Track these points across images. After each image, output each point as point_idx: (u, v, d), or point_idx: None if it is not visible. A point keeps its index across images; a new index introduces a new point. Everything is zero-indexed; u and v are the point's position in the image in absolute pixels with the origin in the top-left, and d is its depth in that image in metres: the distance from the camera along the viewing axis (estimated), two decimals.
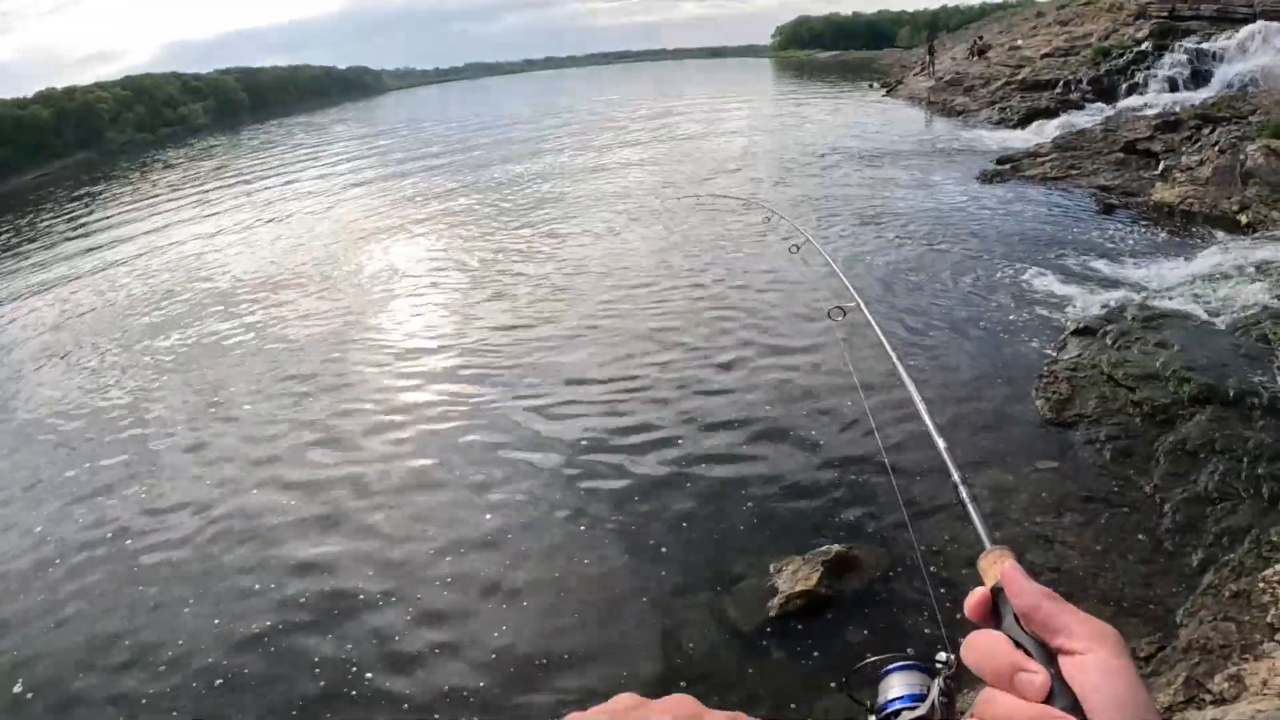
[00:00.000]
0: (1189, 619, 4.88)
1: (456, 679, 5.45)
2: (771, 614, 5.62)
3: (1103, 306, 9.72)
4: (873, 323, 2.90)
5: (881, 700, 1.11)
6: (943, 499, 6.55)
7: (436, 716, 5.17)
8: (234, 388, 10.97)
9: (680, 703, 0.94)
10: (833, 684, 4.92)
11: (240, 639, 6.11)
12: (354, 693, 5.52)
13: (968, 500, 1.30)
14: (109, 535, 7.84)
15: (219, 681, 5.77)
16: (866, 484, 7.07)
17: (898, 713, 1.09)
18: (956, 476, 1.42)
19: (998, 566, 0.99)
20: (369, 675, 5.62)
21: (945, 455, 1.59)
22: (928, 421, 1.76)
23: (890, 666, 1.14)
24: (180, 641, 6.17)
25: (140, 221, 27.44)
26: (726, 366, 9.64)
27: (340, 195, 26.98)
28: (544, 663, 5.52)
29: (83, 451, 9.70)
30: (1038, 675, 0.81)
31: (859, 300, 3.58)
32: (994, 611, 0.97)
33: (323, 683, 5.62)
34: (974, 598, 0.98)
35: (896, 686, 1.12)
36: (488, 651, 5.64)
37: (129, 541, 7.68)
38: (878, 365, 8.26)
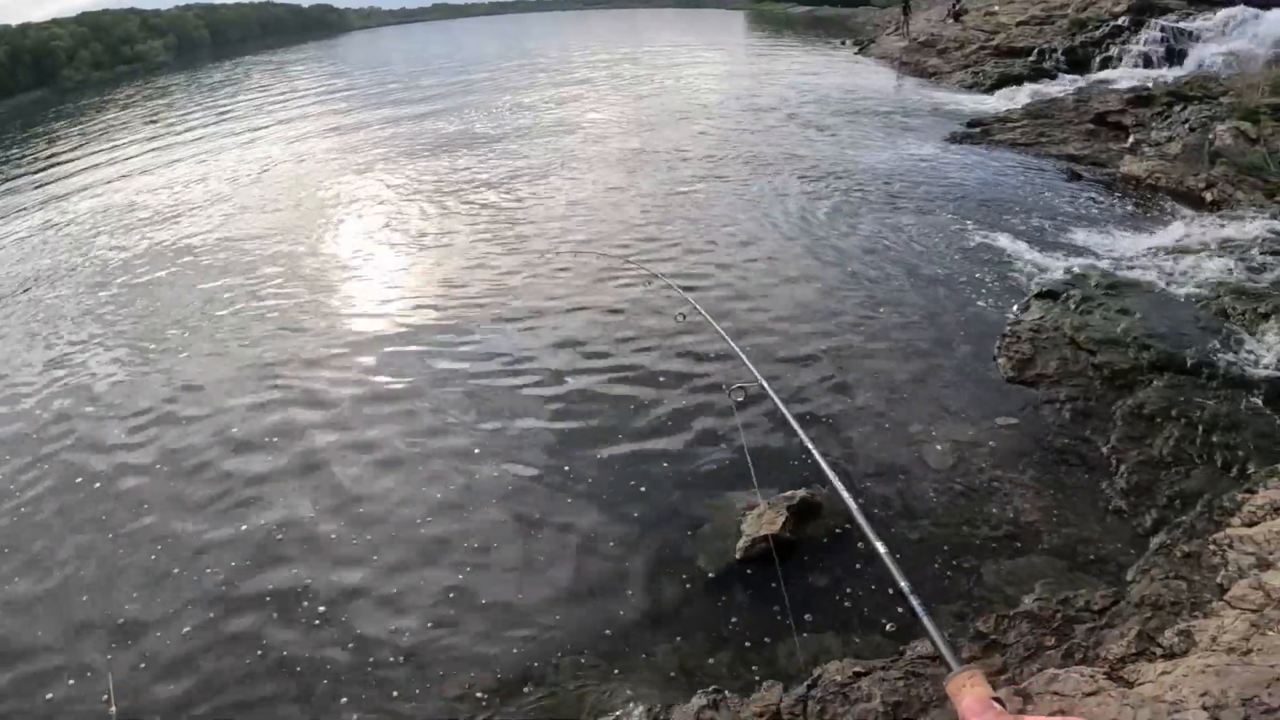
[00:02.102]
0: (1141, 576, 4.95)
1: (421, 630, 5.43)
2: (736, 557, 5.65)
3: (1067, 272, 9.78)
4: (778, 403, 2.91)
5: None
6: (900, 451, 6.64)
7: (402, 666, 5.16)
8: (184, 332, 10.86)
9: None
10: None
11: (193, 590, 6.09)
12: (313, 645, 5.48)
13: (926, 622, 1.38)
14: (49, 491, 7.65)
15: (170, 638, 5.75)
16: (830, 434, 7.12)
17: None
18: (910, 594, 1.50)
19: (962, 696, 1.11)
20: (329, 628, 5.59)
21: (892, 567, 1.70)
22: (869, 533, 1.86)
23: None
24: (126, 604, 6.09)
25: (93, 161, 26.88)
26: (690, 325, 9.67)
27: (294, 137, 26.49)
28: (509, 611, 5.52)
29: (25, 400, 9.54)
30: None
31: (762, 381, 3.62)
32: None
33: (280, 637, 5.59)
34: None
35: None
36: (452, 602, 5.63)
37: (69, 496, 7.52)
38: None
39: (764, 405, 7.44)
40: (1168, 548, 5.17)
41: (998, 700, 1.11)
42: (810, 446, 3.65)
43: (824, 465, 2.79)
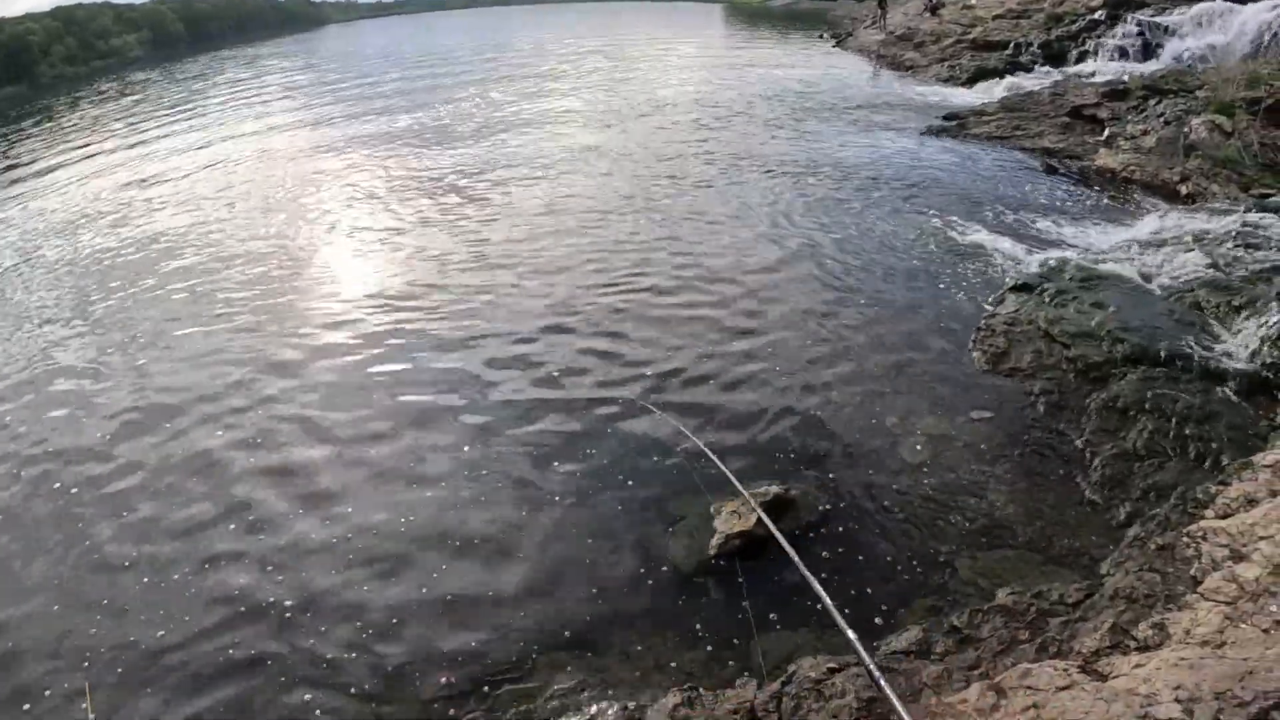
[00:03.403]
0: (1115, 569, 4.96)
1: (394, 627, 5.39)
2: (710, 554, 5.63)
3: (1041, 265, 9.79)
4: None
5: None
6: (875, 444, 6.64)
7: (375, 665, 5.12)
8: (162, 325, 10.75)
9: None
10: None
11: (167, 595, 6.01)
12: (290, 633, 5.46)
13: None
14: (23, 495, 7.55)
15: (146, 644, 5.69)
16: (806, 429, 7.10)
17: None
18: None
19: None
20: (306, 617, 5.56)
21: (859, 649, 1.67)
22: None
23: None
24: (104, 611, 6.03)
25: (65, 156, 26.58)
26: (663, 321, 9.64)
27: (266, 131, 26.20)
28: (482, 608, 5.48)
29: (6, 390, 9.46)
30: None
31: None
32: None
33: (257, 625, 5.56)
34: None
35: None
36: (423, 600, 5.59)
37: (56, 486, 7.48)
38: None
39: (739, 407, 7.45)
40: (1142, 540, 5.19)
41: None
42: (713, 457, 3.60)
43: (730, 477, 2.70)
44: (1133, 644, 4.01)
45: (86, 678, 5.25)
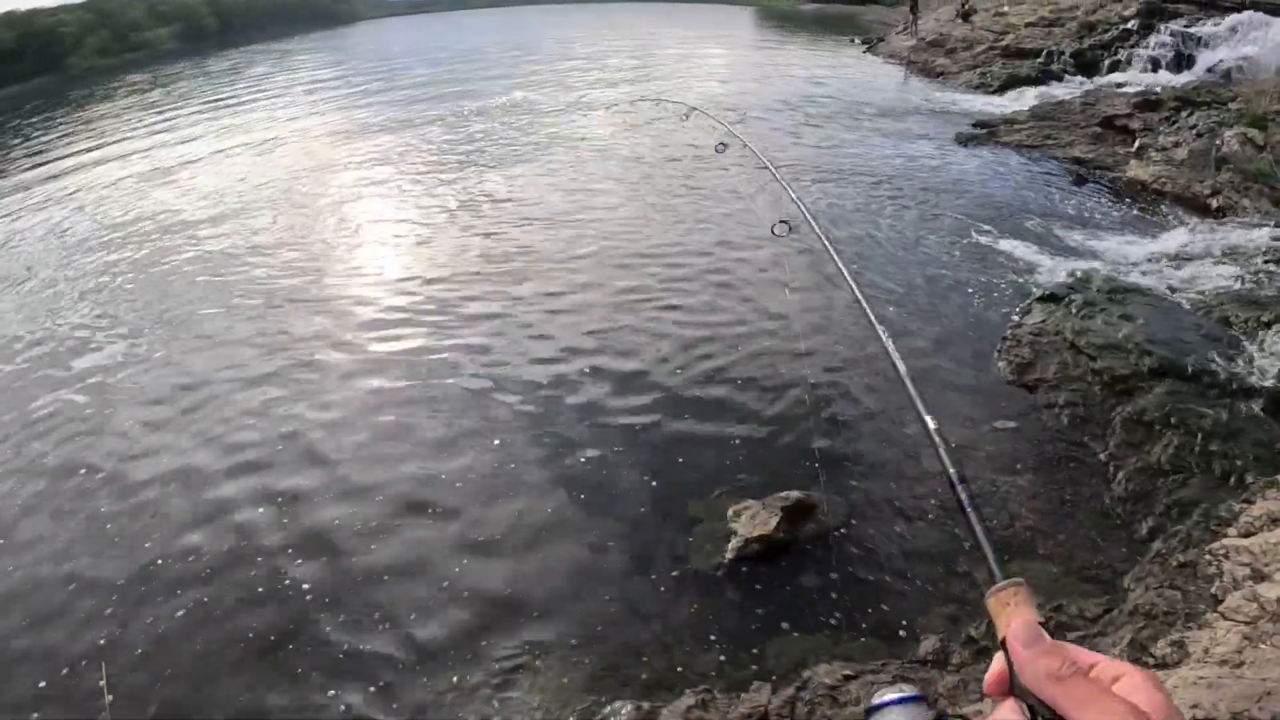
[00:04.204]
0: (1136, 584, 4.94)
1: (410, 621, 5.42)
2: (729, 557, 5.63)
3: (1069, 275, 9.75)
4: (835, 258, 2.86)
5: None
6: (896, 452, 6.62)
7: (392, 658, 5.16)
8: (193, 317, 10.83)
9: None
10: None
11: (186, 578, 6.07)
12: (307, 621, 5.51)
13: (974, 518, 1.26)
14: (65, 460, 7.75)
15: (173, 612, 5.75)
16: (830, 434, 7.09)
17: None
18: (958, 483, 1.38)
19: (1006, 617, 0.99)
20: (323, 605, 5.62)
21: (944, 457, 1.51)
22: (924, 414, 1.73)
23: (889, 699, 1.10)
24: (133, 571, 6.13)
25: (95, 147, 26.74)
26: (688, 320, 9.64)
27: (299, 128, 26.15)
28: (497, 605, 5.51)
29: (35, 379, 9.53)
30: None
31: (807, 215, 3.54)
32: (1010, 668, 0.97)
33: (274, 615, 5.61)
34: (992, 674, 0.98)
35: None
36: (440, 595, 5.62)
37: (82, 469, 7.57)
38: (850, 325, 8.30)
39: (765, 402, 7.45)
40: (1163, 557, 5.16)
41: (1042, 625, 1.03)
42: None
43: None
44: (1151, 661, 3.99)
45: (103, 655, 5.33)
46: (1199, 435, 6.51)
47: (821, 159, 16.82)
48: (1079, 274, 9.75)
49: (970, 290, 9.71)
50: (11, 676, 5.29)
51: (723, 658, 4.91)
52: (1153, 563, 5.17)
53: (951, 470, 1.31)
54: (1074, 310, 8.72)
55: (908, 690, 1.08)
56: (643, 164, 17.01)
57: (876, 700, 1.09)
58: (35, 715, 4.98)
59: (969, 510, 1.22)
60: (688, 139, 17.57)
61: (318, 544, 6.19)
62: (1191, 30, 23.48)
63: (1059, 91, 22.68)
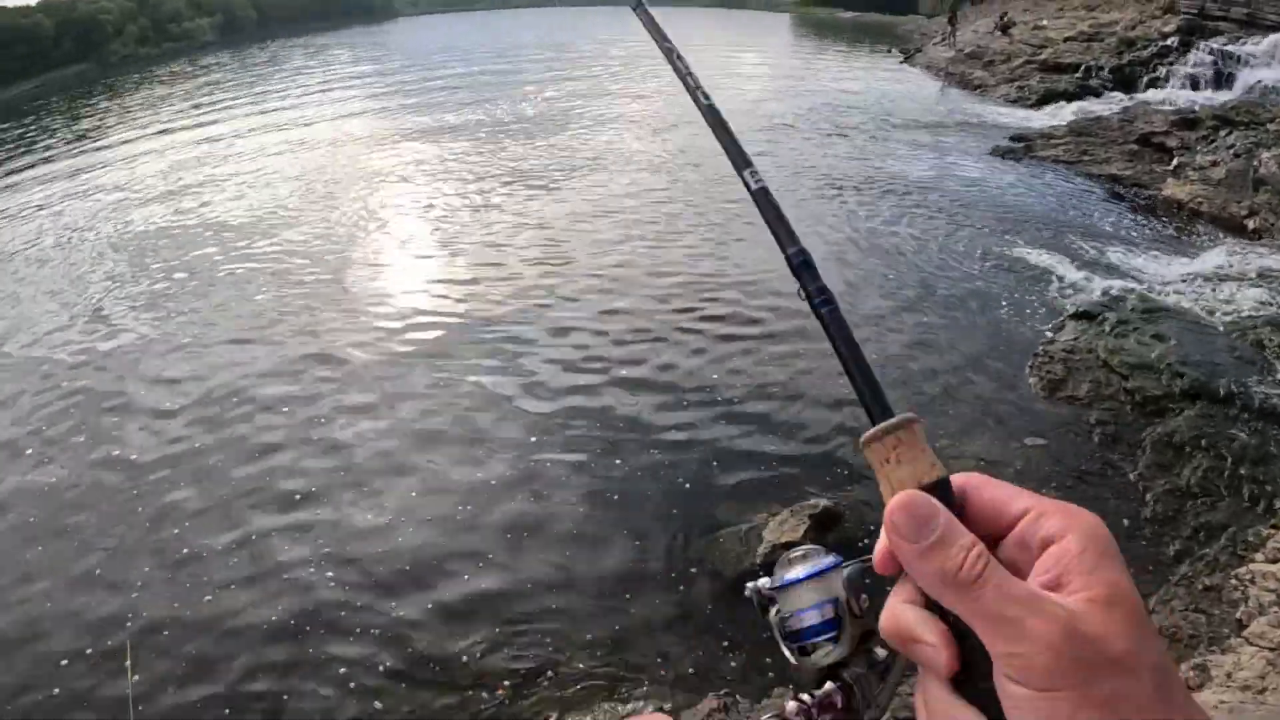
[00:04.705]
0: (1161, 606, 4.95)
1: (437, 621, 5.50)
2: (756, 562, 5.66)
3: (1103, 293, 9.73)
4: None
5: (790, 615, 0.88)
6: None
7: (418, 655, 5.22)
8: (226, 300, 11.04)
9: None
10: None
11: (210, 565, 6.20)
12: (329, 612, 5.62)
13: (836, 338, 0.79)
14: (102, 444, 7.93)
15: (198, 592, 5.87)
16: (856, 444, 7.11)
17: (812, 644, 0.88)
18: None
19: (887, 480, 0.68)
20: (344, 610, 5.69)
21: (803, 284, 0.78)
22: None
23: (801, 575, 0.88)
24: (161, 552, 6.28)
25: (132, 134, 27.21)
26: (718, 334, 9.68)
27: (333, 121, 26.47)
28: (524, 605, 5.58)
29: (64, 358, 9.76)
30: (937, 652, 0.63)
31: None
32: None
33: (296, 606, 5.72)
34: (880, 551, 0.68)
35: (808, 604, 0.88)
36: (467, 597, 5.69)
37: (112, 442, 7.81)
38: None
39: (789, 418, 7.49)
40: (1189, 579, 5.17)
41: (941, 489, 0.68)
42: None
43: None
44: None
45: (127, 637, 5.43)
46: (1229, 459, 6.49)
47: (853, 168, 16.82)
48: (1113, 292, 9.74)
49: (1003, 304, 9.71)
50: (39, 650, 5.44)
51: (746, 662, 4.95)
52: (1178, 585, 5.18)
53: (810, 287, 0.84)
54: (1107, 328, 8.71)
55: (822, 560, 0.86)
56: (669, 169, 17.06)
57: (789, 576, 0.87)
58: (58, 690, 5.11)
59: (829, 328, 0.79)
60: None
61: (342, 537, 6.29)
62: (1231, 49, 23.28)
63: (1097, 107, 22.54)
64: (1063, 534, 0.62)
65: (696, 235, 12.60)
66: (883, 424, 0.70)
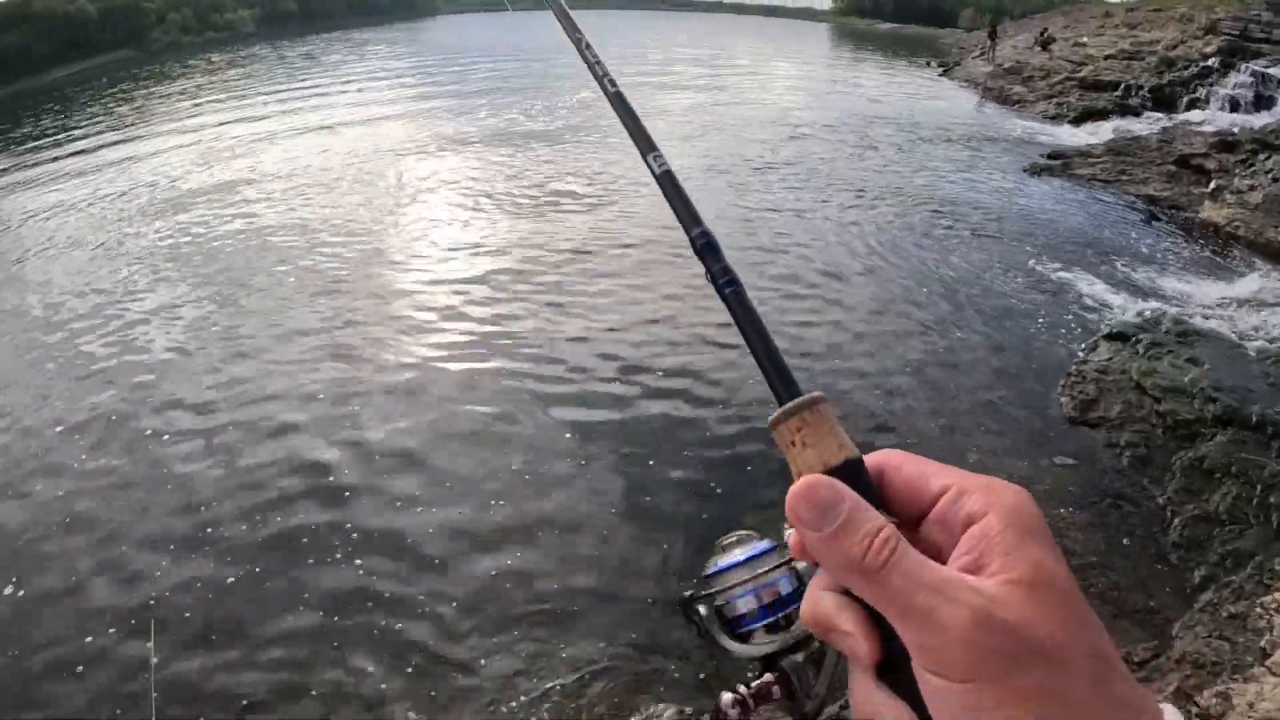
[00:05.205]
0: (1185, 632, 4.95)
1: (451, 624, 5.51)
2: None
3: (1137, 315, 9.70)
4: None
5: (725, 603, 0.87)
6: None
7: (433, 659, 5.25)
8: (258, 290, 11.17)
9: None
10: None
11: (248, 536, 6.34)
12: (350, 602, 5.66)
13: (740, 317, 0.79)
14: (129, 414, 8.11)
15: (223, 578, 5.93)
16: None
17: (748, 630, 0.87)
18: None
19: (794, 463, 0.66)
20: (363, 589, 5.77)
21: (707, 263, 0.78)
22: None
23: (736, 560, 0.88)
24: (188, 534, 6.37)
25: (172, 125, 27.35)
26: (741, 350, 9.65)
27: (370, 117, 26.42)
28: (541, 607, 5.60)
29: (95, 340, 9.88)
30: (857, 641, 0.59)
31: None
32: None
33: (318, 595, 5.78)
34: (794, 541, 0.65)
35: (744, 590, 0.87)
36: (484, 598, 5.69)
37: (144, 422, 7.91)
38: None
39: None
40: (1214, 606, 5.16)
41: (850, 470, 0.64)
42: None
43: None
44: (1195, 710, 4.01)
45: (151, 614, 5.53)
46: (1258, 486, 6.47)
47: (886, 179, 16.83)
48: (1147, 314, 9.71)
49: (1036, 322, 9.69)
50: (61, 627, 5.51)
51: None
52: (1203, 611, 5.17)
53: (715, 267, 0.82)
54: (1141, 350, 8.69)
55: (755, 545, 0.86)
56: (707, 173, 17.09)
57: (722, 563, 0.87)
58: (80, 667, 5.18)
59: (733, 309, 0.78)
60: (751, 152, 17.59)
61: (363, 524, 6.32)
62: (1272, 71, 23.13)
63: (1135, 126, 22.46)
64: (984, 512, 0.59)
65: (731, 246, 12.56)
66: (786, 405, 0.67)
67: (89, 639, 5.37)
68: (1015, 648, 0.52)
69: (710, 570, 0.86)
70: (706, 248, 0.84)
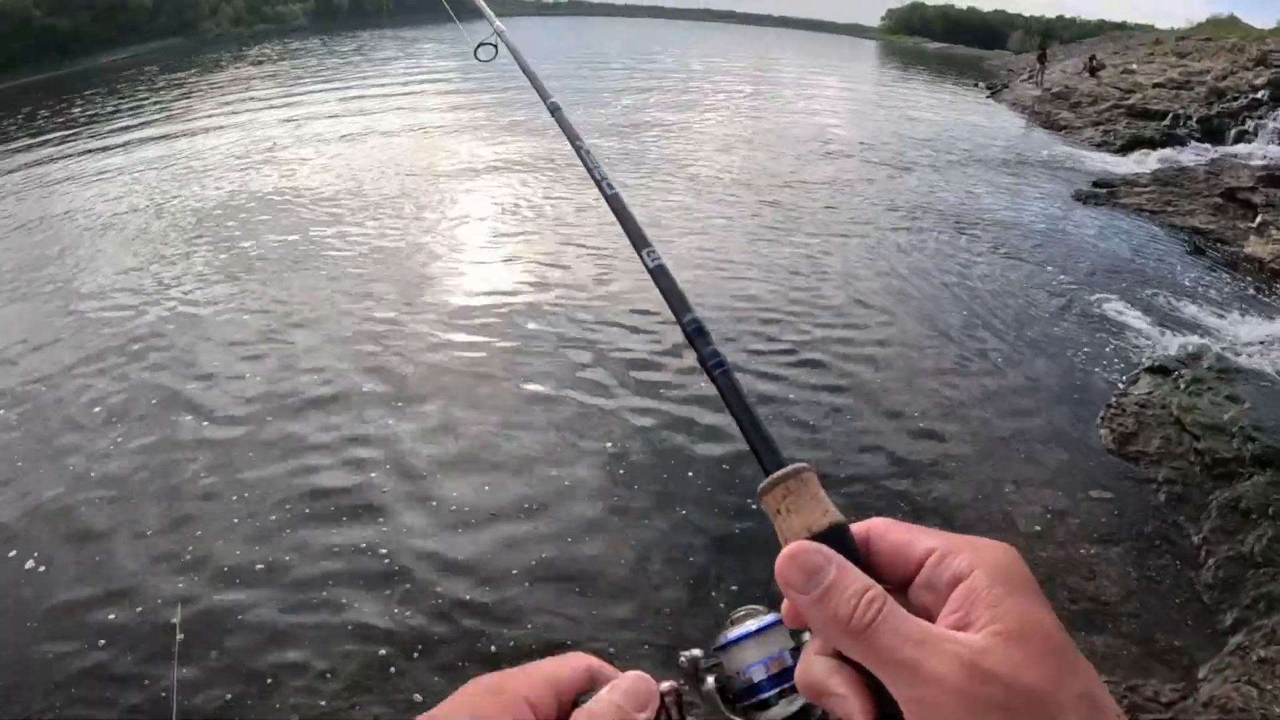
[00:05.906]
0: (1214, 675, 4.93)
1: (463, 618, 5.55)
2: None
3: (1179, 349, 9.64)
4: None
5: (736, 673, 0.82)
6: (991, 507, 6.64)
7: (446, 654, 5.29)
8: (297, 284, 11.27)
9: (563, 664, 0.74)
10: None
11: (259, 528, 6.41)
12: (372, 594, 5.72)
13: (727, 396, 0.83)
14: (165, 401, 8.22)
15: (251, 563, 6.03)
16: (923, 478, 7.13)
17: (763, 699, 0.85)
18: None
19: (780, 530, 0.70)
20: (389, 580, 5.86)
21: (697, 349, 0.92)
22: None
23: (747, 631, 0.83)
24: (216, 518, 6.48)
25: (219, 113, 27.73)
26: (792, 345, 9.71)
27: (412, 115, 26.76)
28: (558, 606, 5.65)
29: (137, 327, 9.99)
30: (850, 703, 0.61)
31: None
32: None
33: (343, 586, 5.85)
34: (786, 607, 0.70)
35: (755, 659, 0.85)
36: (499, 599, 5.72)
37: (180, 412, 8.02)
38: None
39: (856, 448, 7.51)
40: (1245, 650, 5.14)
41: (835, 535, 0.68)
42: None
43: None
44: None
45: (178, 596, 5.62)
46: None
47: (931, 201, 16.83)
48: (1189, 348, 9.65)
49: (1076, 352, 9.64)
50: (87, 608, 5.60)
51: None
52: (1233, 655, 5.15)
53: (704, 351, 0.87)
54: (1182, 386, 8.63)
55: (765, 618, 0.81)
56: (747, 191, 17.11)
57: (732, 635, 0.83)
58: (104, 642, 5.27)
59: (723, 391, 0.82)
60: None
61: (391, 526, 6.38)
62: None
63: (1183, 157, 22.33)
64: (970, 569, 0.61)
65: (758, 263, 12.56)
66: (772, 475, 0.71)
67: (112, 615, 5.48)
68: (1005, 696, 0.53)
69: (722, 642, 0.88)
70: (696, 333, 0.89)
